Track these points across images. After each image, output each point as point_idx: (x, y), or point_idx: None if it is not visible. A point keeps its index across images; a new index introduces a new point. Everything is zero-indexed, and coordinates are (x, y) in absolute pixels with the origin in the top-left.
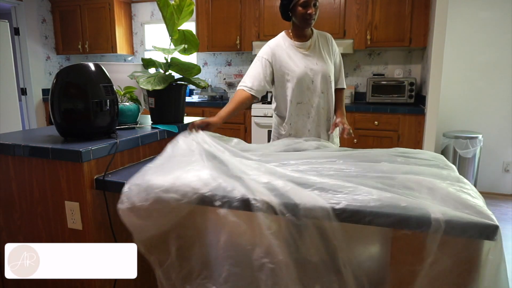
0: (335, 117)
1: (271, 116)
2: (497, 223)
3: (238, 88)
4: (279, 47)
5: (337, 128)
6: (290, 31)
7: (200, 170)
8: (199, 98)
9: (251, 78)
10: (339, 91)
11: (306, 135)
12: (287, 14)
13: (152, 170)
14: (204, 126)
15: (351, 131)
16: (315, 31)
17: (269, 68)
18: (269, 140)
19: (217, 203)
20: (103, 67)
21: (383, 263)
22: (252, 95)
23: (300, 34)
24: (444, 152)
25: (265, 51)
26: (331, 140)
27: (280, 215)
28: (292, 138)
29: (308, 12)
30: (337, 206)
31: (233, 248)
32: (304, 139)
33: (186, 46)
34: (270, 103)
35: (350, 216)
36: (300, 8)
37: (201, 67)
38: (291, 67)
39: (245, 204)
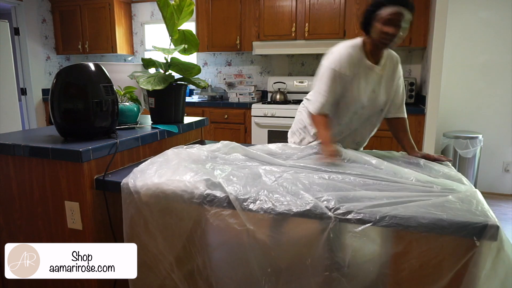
0: (410, 152)
1: (271, 116)
2: (497, 223)
3: (318, 112)
4: (357, 62)
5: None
6: (366, 43)
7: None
8: (199, 98)
9: (326, 98)
10: (401, 120)
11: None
12: (368, 24)
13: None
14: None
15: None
16: (387, 52)
17: (341, 83)
18: (269, 140)
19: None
20: (103, 67)
21: (383, 263)
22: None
23: (374, 53)
24: (444, 152)
25: (342, 65)
26: None
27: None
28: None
29: (389, 31)
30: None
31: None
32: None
33: (186, 46)
34: (270, 103)
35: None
36: (379, 24)
37: (201, 67)
38: (355, 88)
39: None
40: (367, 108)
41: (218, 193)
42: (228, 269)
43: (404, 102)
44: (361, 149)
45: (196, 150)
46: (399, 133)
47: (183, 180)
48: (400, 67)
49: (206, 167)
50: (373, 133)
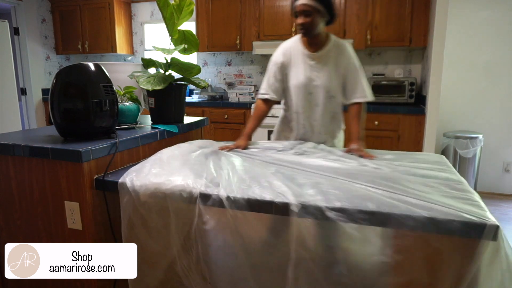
0: (351, 142)
1: (271, 116)
2: (497, 223)
3: (258, 96)
4: (289, 50)
5: (341, 134)
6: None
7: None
8: (199, 98)
9: (265, 83)
10: (353, 107)
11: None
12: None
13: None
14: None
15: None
16: (332, 41)
17: (279, 70)
18: (269, 140)
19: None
20: (103, 67)
21: (383, 263)
22: (268, 98)
23: (311, 42)
24: (444, 152)
25: (276, 55)
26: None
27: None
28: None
29: (298, 22)
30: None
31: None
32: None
33: (186, 46)
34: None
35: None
36: (294, 19)
37: (201, 67)
38: (292, 75)
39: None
40: (314, 94)
41: (212, 191)
42: (224, 266)
43: (362, 89)
44: (340, 145)
45: (188, 145)
46: (348, 119)
47: (178, 179)
48: (348, 54)
49: (195, 162)
50: (337, 124)
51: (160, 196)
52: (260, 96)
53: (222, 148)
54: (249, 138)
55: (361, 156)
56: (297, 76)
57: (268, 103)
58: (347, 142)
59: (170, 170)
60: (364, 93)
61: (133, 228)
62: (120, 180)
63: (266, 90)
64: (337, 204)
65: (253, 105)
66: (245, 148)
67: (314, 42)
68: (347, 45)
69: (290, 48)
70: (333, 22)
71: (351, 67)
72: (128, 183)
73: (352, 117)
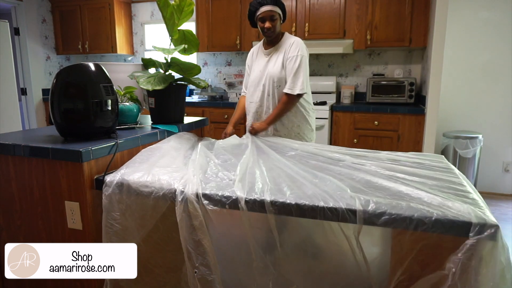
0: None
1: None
2: (497, 223)
3: (241, 93)
4: (254, 53)
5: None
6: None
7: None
8: (199, 98)
9: (244, 84)
10: (282, 95)
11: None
12: (255, 23)
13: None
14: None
15: (250, 129)
16: (285, 37)
17: (249, 70)
18: None
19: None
20: (103, 67)
21: (383, 263)
22: (244, 95)
23: (268, 41)
24: (444, 152)
25: (247, 58)
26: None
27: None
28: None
29: (265, 26)
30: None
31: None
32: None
33: (186, 46)
34: None
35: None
36: (259, 23)
37: (201, 67)
38: (252, 69)
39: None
40: (264, 85)
41: (187, 189)
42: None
43: (293, 83)
44: (309, 136)
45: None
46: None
47: (159, 178)
48: (291, 49)
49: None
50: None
51: (136, 193)
52: (243, 94)
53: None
54: (233, 125)
55: (250, 131)
56: (256, 70)
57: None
58: None
59: (148, 167)
60: (292, 86)
61: (112, 226)
62: (107, 178)
63: (244, 88)
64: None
65: None
66: (231, 133)
67: (270, 41)
68: (298, 41)
69: (254, 51)
70: (284, 22)
71: (290, 60)
72: (109, 180)
73: (278, 103)
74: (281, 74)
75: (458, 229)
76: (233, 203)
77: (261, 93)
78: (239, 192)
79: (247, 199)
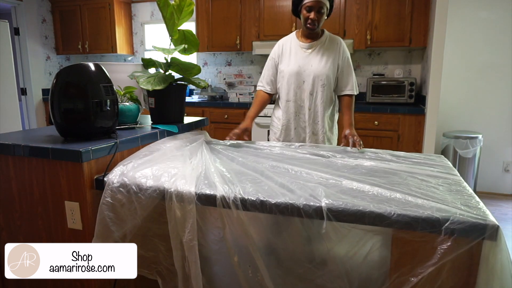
0: (344, 128)
1: (271, 116)
2: (497, 223)
3: (257, 88)
4: (285, 45)
5: (335, 127)
6: (300, 30)
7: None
8: (199, 98)
9: (263, 78)
10: (345, 98)
11: (292, 134)
12: (297, 11)
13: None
14: (242, 133)
15: (361, 142)
16: (326, 34)
17: (274, 63)
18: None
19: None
20: (103, 67)
21: (383, 263)
22: (267, 93)
23: (307, 35)
24: (444, 152)
25: (273, 50)
26: (327, 139)
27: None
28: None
29: (310, 17)
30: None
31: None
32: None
33: (186, 46)
34: (270, 103)
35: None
36: (304, 12)
37: (201, 67)
38: (286, 64)
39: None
40: (307, 82)
41: (181, 188)
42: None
43: (353, 83)
44: (335, 139)
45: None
46: (343, 109)
47: (159, 177)
48: (342, 49)
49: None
50: (329, 113)
51: (131, 192)
52: (257, 88)
53: (230, 137)
54: (252, 120)
55: (354, 141)
56: (290, 65)
57: (267, 95)
58: (340, 130)
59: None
60: (354, 87)
61: (107, 225)
62: (106, 178)
63: (261, 82)
64: (331, 203)
65: None
66: (249, 128)
67: (310, 35)
68: (341, 40)
69: (284, 42)
70: (329, 17)
71: (346, 61)
72: (107, 179)
73: (344, 107)
74: (329, 72)
75: (458, 229)
76: (226, 202)
77: (302, 92)
78: (230, 192)
79: (241, 198)
